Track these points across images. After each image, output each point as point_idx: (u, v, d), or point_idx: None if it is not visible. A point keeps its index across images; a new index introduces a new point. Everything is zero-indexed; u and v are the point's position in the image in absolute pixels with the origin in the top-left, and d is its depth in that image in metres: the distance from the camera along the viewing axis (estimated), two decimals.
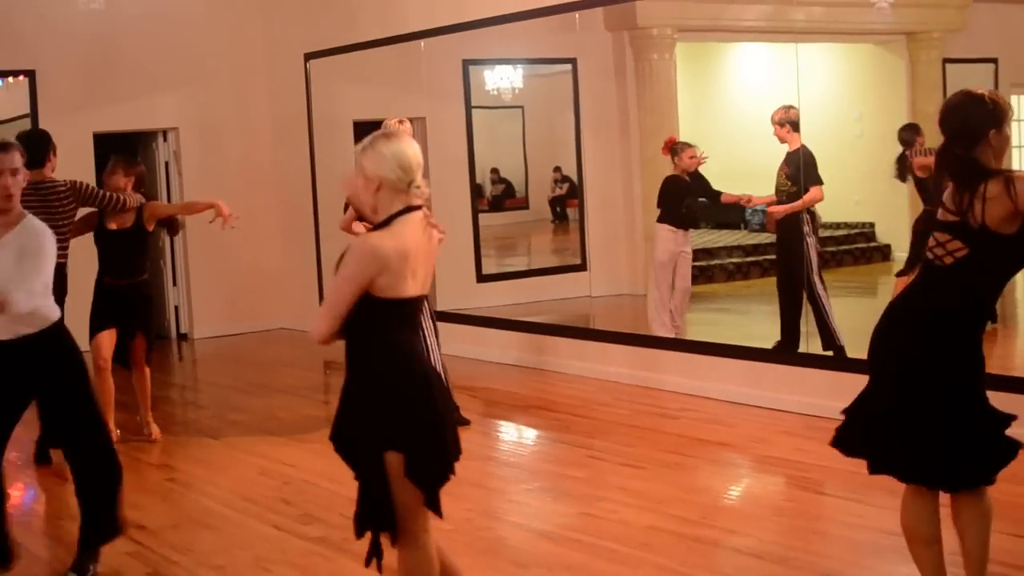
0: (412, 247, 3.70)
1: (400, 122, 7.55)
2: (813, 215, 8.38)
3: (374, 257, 3.63)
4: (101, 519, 5.20)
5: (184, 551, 5.55)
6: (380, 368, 3.73)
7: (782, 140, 8.35)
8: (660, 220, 9.22)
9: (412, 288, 3.73)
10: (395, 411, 3.71)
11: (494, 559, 5.24)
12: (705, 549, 5.27)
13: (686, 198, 9.17)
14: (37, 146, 6.89)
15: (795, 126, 8.26)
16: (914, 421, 4.02)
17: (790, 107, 8.28)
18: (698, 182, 9.12)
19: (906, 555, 4.95)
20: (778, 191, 8.52)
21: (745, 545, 5.28)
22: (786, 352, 8.15)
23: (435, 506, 3.78)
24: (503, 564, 5.19)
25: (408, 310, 3.78)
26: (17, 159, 4.88)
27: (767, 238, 10.87)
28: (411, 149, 3.74)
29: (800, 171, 8.22)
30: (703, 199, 9.34)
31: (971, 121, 4.01)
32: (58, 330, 5.02)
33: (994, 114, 4.00)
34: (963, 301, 4.05)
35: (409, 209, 3.73)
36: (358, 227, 7.88)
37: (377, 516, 3.77)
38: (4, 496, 5.19)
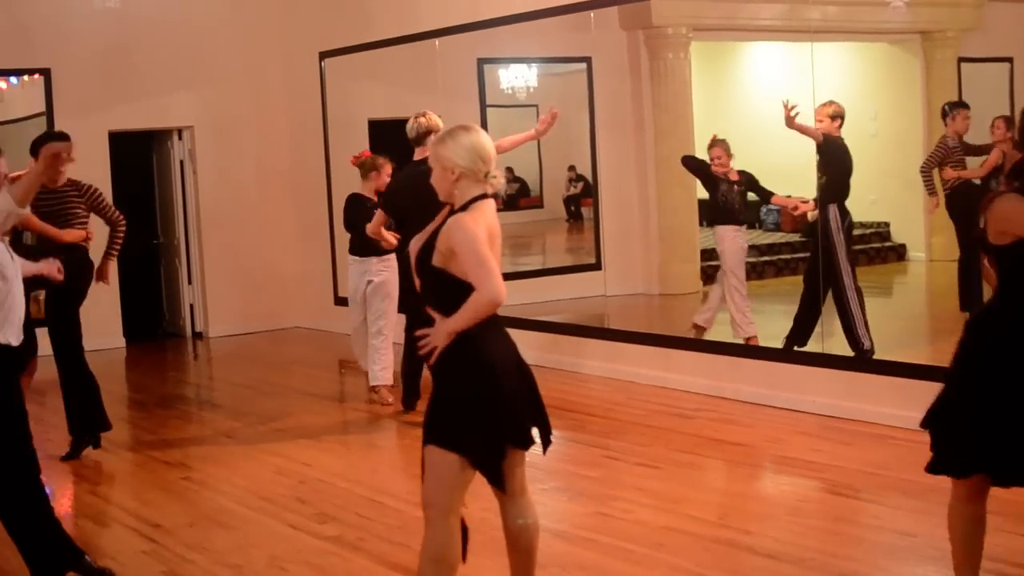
0: (493, 230, 3.88)
1: (424, 115, 7.57)
2: (843, 214, 8.22)
3: (477, 225, 3.78)
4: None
5: (200, 550, 5.56)
6: (453, 358, 3.86)
7: (829, 134, 8.24)
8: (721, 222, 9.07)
9: None
10: (450, 406, 3.89)
11: None
12: (721, 549, 5.26)
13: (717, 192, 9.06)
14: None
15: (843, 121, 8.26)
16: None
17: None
18: (748, 178, 9.05)
19: (922, 556, 4.97)
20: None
21: (761, 546, 5.27)
22: (789, 347, 8.11)
23: (498, 483, 3.99)
24: None
25: None
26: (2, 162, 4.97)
27: (782, 237, 10.86)
28: (488, 141, 3.92)
29: (829, 162, 8.21)
30: (753, 195, 9.23)
31: (1019, 131, 3.92)
32: None
33: None
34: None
35: (484, 196, 3.89)
36: (389, 236, 7.89)
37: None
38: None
